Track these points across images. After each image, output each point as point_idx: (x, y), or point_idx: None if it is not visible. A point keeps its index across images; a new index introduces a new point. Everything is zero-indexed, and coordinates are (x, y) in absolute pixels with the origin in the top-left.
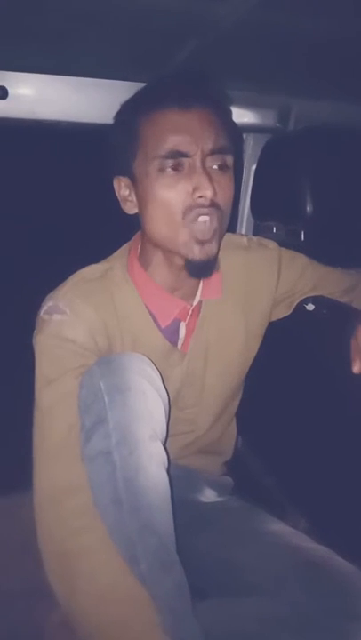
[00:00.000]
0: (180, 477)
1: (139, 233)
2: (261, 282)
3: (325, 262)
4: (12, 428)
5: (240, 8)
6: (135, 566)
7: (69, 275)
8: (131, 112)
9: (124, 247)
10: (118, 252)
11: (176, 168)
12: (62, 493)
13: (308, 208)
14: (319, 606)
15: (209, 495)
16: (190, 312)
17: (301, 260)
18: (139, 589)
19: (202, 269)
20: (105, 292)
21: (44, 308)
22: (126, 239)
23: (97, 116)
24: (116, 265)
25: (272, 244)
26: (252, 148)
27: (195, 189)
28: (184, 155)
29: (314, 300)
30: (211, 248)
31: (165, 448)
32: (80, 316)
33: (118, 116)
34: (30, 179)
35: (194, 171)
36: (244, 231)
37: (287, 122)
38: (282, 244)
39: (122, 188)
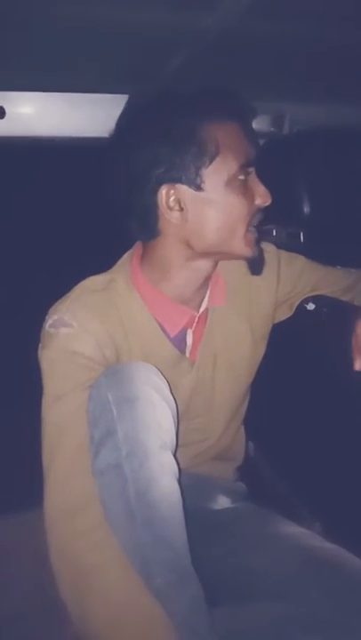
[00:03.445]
0: (192, 486)
1: (138, 244)
2: (263, 285)
3: (326, 263)
4: (21, 443)
5: (226, 17)
6: (150, 582)
7: (70, 288)
8: (198, 120)
9: (125, 258)
10: (119, 263)
11: (246, 176)
12: (75, 509)
13: (306, 210)
14: (336, 605)
15: (223, 502)
16: (197, 320)
17: (300, 261)
18: (154, 607)
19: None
20: (110, 304)
21: (49, 321)
22: (125, 250)
23: (94, 130)
24: (119, 276)
25: (270, 247)
26: None
27: (259, 196)
28: (253, 164)
29: (314, 299)
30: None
31: (176, 458)
32: (87, 329)
33: (175, 122)
34: (30, 195)
35: (253, 179)
36: None
37: (282, 126)
38: (282, 246)
39: (170, 196)
